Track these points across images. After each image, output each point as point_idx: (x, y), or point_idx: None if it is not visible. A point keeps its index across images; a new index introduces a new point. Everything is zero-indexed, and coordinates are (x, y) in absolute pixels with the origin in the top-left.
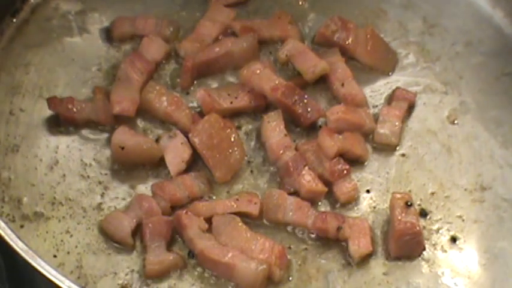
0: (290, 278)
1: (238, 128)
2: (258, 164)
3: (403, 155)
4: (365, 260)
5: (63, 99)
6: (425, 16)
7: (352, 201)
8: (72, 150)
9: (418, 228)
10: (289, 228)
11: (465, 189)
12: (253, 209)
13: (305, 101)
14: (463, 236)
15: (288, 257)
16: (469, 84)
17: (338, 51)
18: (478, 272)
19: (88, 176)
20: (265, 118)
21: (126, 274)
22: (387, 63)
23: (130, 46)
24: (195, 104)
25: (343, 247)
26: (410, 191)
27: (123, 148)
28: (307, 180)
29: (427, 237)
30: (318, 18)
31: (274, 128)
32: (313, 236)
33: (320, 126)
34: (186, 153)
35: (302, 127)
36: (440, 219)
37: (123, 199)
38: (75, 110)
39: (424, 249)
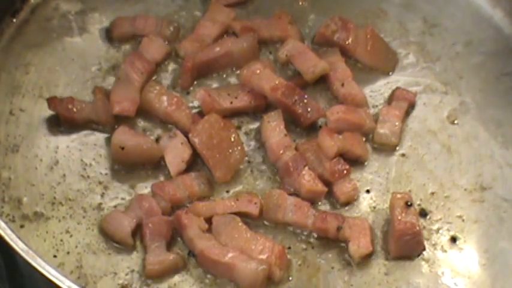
0: (290, 278)
1: (238, 128)
2: (258, 164)
3: (403, 155)
4: (365, 260)
5: (63, 99)
6: (425, 16)
7: (352, 201)
8: (72, 150)
9: (418, 228)
10: (289, 228)
11: (465, 189)
12: (253, 209)
13: (305, 101)
14: (463, 236)
15: (288, 257)
16: (469, 84)
17: (338, 51)
18: (478, 272)
19: (88, 176)
20: (265, 118)
21: (126, 274)
22: (387, 63)
23: (130, 46)
24: (195, 104)
25: (343, 247)
26: (410, 191)
27: (123, 148)
28: (307, 180)
29: (427, 237)
30: (318, 18)
31: (274, 128)
32: (313, 236)
33: (320, 126)
34: (186, 153)
35: (302, 127)
36: (440, 219)
37: (123, 199)
38: (75, 110)
39: (424, 249)
